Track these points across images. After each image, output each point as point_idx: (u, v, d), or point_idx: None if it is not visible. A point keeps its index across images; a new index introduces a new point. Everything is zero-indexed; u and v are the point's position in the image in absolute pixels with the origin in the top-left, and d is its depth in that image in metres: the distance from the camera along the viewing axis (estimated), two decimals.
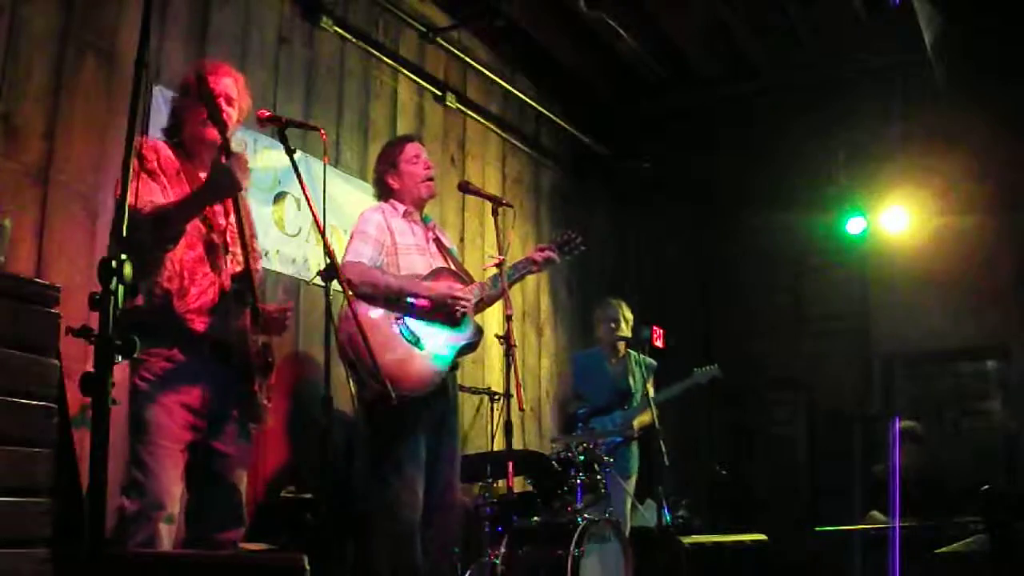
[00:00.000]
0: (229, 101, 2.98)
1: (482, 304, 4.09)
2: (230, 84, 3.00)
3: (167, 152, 2.91)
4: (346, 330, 3.47)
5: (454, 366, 3.85)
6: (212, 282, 2.83)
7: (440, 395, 3.74)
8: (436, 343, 3.72)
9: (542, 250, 4.14)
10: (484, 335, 4.05)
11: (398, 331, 3.63)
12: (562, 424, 5.94)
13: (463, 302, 3.76)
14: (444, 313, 3.75)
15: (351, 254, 3.73)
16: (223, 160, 2.72)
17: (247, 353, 2.82)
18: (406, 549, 3.53)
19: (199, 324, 2.78)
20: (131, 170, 1.95)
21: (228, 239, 2.91)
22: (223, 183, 2.73)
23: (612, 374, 5.78)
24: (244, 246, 2.84)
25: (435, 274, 3.85)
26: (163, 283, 2.75)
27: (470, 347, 3.91)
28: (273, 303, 3.13)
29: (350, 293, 3.14)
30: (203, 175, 2.91)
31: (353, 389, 3.66)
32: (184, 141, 2.97)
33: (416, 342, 3.64)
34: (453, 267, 3.98)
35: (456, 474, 3.83)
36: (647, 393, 5.49)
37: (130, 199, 2.62)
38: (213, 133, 2.84)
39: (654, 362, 5.82)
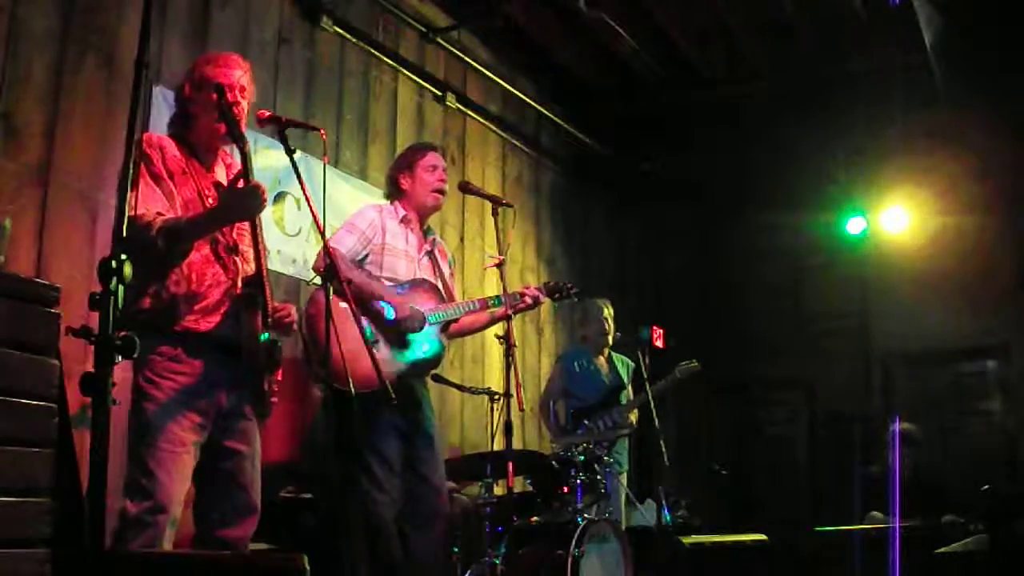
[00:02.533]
0: (243, 92, 2.94)
1: (461, 329, 4.08)
2: (242, 76, 2.96)
3: (173, 150, 2.84)
4: (307, 313, 3.52)
5: (419, 374, 3.83)
6: (220, 282, 2.81)
7: (406, 400, 3.70)
8: (391, 348, 3.70)
9: (529, 288, 4.14)
10: (445, 355, 3.97)
11: (359, 326, 3.61)
12: (554, 424, 5.91)
13: (409, 323, 3.72)
14: (395, 327, 3.71)
15: (333, 241, 3.73)
16: (241, 185, 2.74)
17: (256, 353, 2.80)
18: (382, 546, 3.53)
19: (204, 324, 2.76)
20: (131, 171, 1.95)
21: (236, 238, 2.89)
22: (238, 210, 2.78)
23: (604, 371, 5.81)
24: (257, 252, 2.82)
25: (415, 284, 3.84)
26: (171, 287, 2.73)
27: (427, 362, 3.83)
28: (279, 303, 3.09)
29: (346, 288, 3.10)
30: (212, 174, 2.90)
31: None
32: (192, 137, 2.91)
33: (375, 342, 3.62)
34: (439, 284, 3.95)
35: (440, 478, 3.80)
36: (644, 385, 5.48)
37: (138, 208, 2.63)
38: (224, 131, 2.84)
39: (632, 363, 5.84)
